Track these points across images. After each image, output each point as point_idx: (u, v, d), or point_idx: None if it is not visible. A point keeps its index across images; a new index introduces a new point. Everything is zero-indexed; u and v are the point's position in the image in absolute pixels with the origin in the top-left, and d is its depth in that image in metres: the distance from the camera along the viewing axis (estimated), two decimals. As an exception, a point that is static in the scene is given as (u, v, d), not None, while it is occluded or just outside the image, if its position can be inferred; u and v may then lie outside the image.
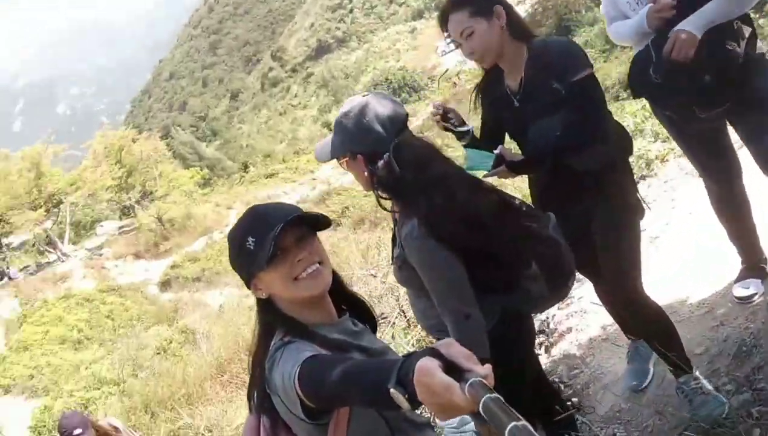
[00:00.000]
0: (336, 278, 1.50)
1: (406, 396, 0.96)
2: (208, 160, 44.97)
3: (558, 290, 1.99)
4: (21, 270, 26.78)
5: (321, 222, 1.44)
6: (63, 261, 26.23)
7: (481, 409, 0.83)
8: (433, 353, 0.95)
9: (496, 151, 2.16)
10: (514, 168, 2.17)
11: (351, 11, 79.79)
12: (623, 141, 2.34)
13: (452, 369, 0.92)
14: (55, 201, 28.46)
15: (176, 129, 55.82)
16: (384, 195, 1.88)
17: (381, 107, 1.86)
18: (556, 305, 3.28)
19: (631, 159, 2.49)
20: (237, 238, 1.42)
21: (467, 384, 0.87)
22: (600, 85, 2.23)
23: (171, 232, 26.67)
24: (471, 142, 2.35)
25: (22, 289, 21.76)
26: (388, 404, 1.00)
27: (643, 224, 2.42)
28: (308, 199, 23.15)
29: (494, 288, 1.88)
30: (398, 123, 1.86)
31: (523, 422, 0.77)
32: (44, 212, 26.90)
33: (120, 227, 30.58)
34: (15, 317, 19.20)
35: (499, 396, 0.83)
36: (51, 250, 27.60)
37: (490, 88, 2.34)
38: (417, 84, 39.67)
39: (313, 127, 50.84)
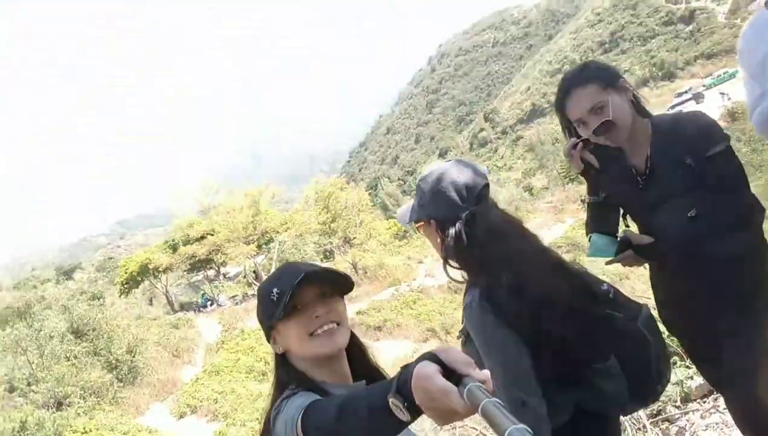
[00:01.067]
0: (358, 346, 1.51)
1: (405, 404, 0.95)
2: (408, 213, 46.37)
3: (641, 393, 1.72)
4: (230, 298, 29.39)
5: (344, 284, 1.43)
6: (265, 295, 28.28)
7: (480, 412, 0.83)
8: (432, 358, 0.94)
9: (620, 236, 2.04)
10: (641, 253, 2.00)
11: (569, 76, 78.74)
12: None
13: (451, 374, 0.91)
14: (267, 238, 30.99)
15: (384, 180, 58.45)
16: (453, 264, 1.76)
17: (459, 174, 1.75)
18: (698, 412, 3.09)
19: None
20: (264, 289, 1.42)
21: (466, 389, 0.87)
22: (739, 160, 1.93)
23: (363, 279, 27.60)
24: (602, 201, 2.17)
25: (227, 316, 23.68)
26: (390, 423, 0.99)
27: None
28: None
29: (563, 380, 1.65)
30: (476, 191, 1.73)
31: (523, 425, 0.78)
32: (256, 247, 29.39)
33: (320, 269, 32.35)
34: (216, 341, 20.92)
35: (498, 400, 0.83)
36: (256, 283, 29.99)
37: (611, 175, 2.09)
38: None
39: (514, 191, 50.39)
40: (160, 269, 30.71)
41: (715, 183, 1.85)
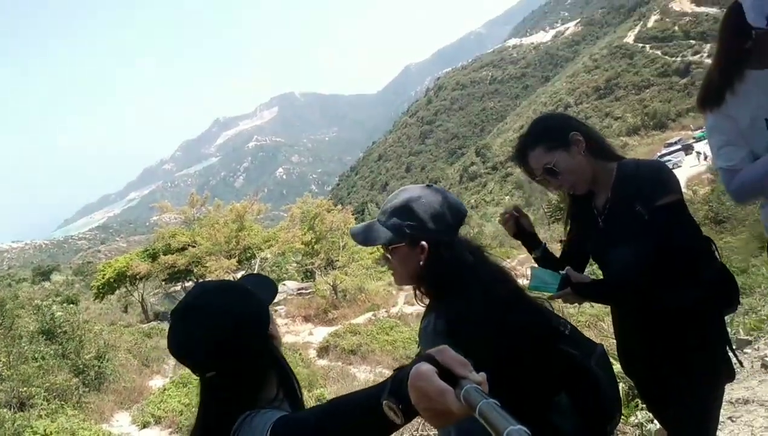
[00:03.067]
0: None
1: (400, 406, 0.93)
2: (392, 240, 46.41)
3: (591, 432, 1.71)
4: (206, 311, 29.12)
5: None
6: (242, 311, 28.07)
7: (477, 414, 0.83)
8: (428, 359, 0.93)
9: (562, 272, 2.04)
10: (580, 292, 2.02)
11: (562, 119, 79.64)
12: (725, 287, 2.00)
13: (447, 376, 0.90)
14: (248, 254, 30.86)
15: (371, 206, 58.55)
16: (426, 287, 1.79)
17: (451, 198, 1.79)
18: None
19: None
20: (242, 306, 1.44)
21: (462, 390, 0.87)
22: (690, 215, 1.99)
23: (342, 302, 27.50)
24: (542, 255, 2.31)
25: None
26: (380, 427, 0.97)
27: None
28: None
29: (517, 412, 1.58)
30: (461, 217, 1.78)
31: (521, 426, 0.78)
32: (236, 262, 29.22)
33: (299, 289, 32.19)
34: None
35: (495, 401, 0.83)
36: (234, 298, 29.76)
37: (578, 206, 2.21)
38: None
39: (500, 226, 50.72)
40: (138, 277, 30.42)
41: (661, 234, 1.89)
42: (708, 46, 74.80)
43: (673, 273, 1.90)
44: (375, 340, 20.22)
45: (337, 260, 30.43)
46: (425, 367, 0.91)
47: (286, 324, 25.81)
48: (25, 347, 16.51)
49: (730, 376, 2.02)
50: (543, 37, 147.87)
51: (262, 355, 1.40)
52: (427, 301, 1.82)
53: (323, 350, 21.21)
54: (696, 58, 75.45)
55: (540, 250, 2.33)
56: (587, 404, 1.67)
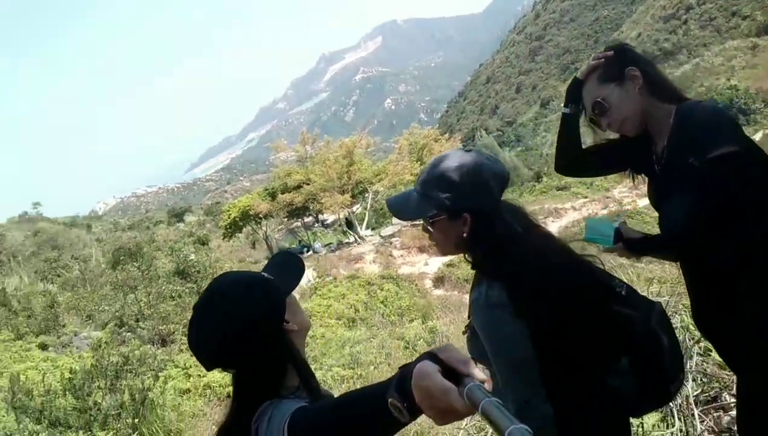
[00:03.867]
0: None
1: (405, 404, 0.94)
2: (505, 165, 45.45)
3: (653, 393, 1.66)
4: (325, 246, 30.20)
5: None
6: (359, 244, 28.85)
7: (480, 412, 0.83)
8: (432, 357, 0.94)
9: (615, 225, 1.95)
10: (632, 247, 1.92)
11: (685, 22, 73.31)
12: None
13: (450, 374, 0.91)
14: (360, 188, 31.41)
15: (481, 131, 57.48)
16: (473, 257, 1.75)
17: (493, 164, 1.72)
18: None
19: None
20: (255, 289, 1.47)
21: (465, 388, 0.87)
22: (753, 167, 1.76)
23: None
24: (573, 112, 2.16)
25: (321, 263, 24.39)
26: (387, 425, 0.98)
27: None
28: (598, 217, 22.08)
29: (573, 379, 1.60)
30: (504, 182, 1.72)
31: (523, 425, 0.78)
32: (350, 197, 29.87)
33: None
34: (309, 287, 21.68)
35: (498, 399, 0.83)
36: (350, 232, 30.62)
37: (640, 154, 2.04)
38: (747, 106, 34.97)
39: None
40: (260, 215, 31.90)
41: (714, 188, 1.73)
42: None
43: (730, 229, 1.74)
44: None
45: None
46: (428, 365, 0.92)
47: (401, 255, 26.24)
48: (163, 287, 17.92)
49: None
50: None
51: (274, 350, 1.40)
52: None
53: (438, 281, 21.44)
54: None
55: (572, 107, 2.14)
56: (648, 366, 1.61)
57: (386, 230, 31.34)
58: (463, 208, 1.67)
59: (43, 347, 13.72)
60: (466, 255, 1.77)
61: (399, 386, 0.96)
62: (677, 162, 1.84)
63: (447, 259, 24.31)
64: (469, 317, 1.79)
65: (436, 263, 24.25)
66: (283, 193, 30.95)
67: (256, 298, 1.41)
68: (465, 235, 1.69)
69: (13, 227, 48.21)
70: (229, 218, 33.45)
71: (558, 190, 33.66)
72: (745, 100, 35.97)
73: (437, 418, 0.92)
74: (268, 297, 1.43)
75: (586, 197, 29.84)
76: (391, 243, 28.77)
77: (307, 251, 29.89)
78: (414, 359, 1.00)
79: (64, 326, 15.77)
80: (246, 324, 1.36)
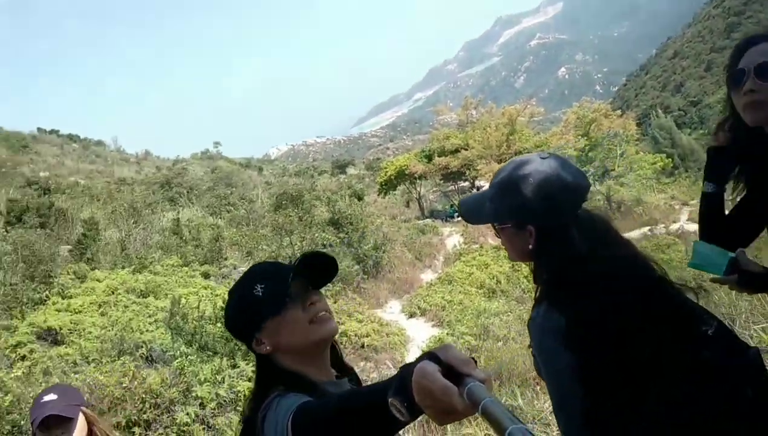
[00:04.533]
0: (334, 343, 1.51)
1: (405, 405, 0.94)
2: (681, 148, 42.10)
3: None
4: (476, 212, 30.13)
5: (325, 275, 1.46)
6: (510, 214, 28.44)
7: (480, 412, 0.83)
8: (432, 357, 0.94)
9: (732, 254, 1.68)
10: (749, 282, 1.64)
11: None
12: None
13: (451, 374, 0.91)
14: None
15: (657, 110, 53.56)
16: (539, 271, 1.63)
17: (567, 175, 1.56)
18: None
19: None
20: (240, 290, 1.44)
21: (466, 388, 0.87)
22: None
23: (616, 214, 26.24)
24: (715, 191, 1.86)
25: (469, 229, 24.34)
26: (387, 425, 0.99)
27: None
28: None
29: (618, 424, 1.45)
30: (580, 195, 1.58)
31: (523, 425, 0.78)
32: (506, 166, 29.44)
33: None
34: (454, 252, 21.81)
35: (498, 399, 0.83)
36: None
37: (754, 152, 1.74)
38: None
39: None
40: (415, 176, 32.39)
41: None
42: None
43: None
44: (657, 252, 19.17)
45: (612, 170, 28.84)
46: (429, 365, 0.92)
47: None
48: (317, 235, 18.88)
49: None
50: None
51: (259, 359, 1.45)
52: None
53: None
54: None
55: (715, 186, 1.86)
56: (718, 416, 1.41)
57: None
58: (528, 220, 1.59)
59: (206, 275, 15.08)
60: (531, 267, 1.67)
61: (399, 386, 0.96)
62: None
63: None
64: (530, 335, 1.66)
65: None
66: (440, 156, 31.19)
67: (258, 288, 1.41)
68: (530, 247, 1.61)
69: (195, 162, 52.87)
70: (385, 175, 34.35)
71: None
72: None
73: (437, 418, 0.93)
74: (244, 309, 1.44)
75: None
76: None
77: (458, 216, 29.98)
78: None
79: (226, 258, 17.21)
80: (246, 313, 1.43)
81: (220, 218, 24.04)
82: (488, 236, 24.14)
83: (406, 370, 0.97)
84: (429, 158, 32.07)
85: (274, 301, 1.37)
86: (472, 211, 1.74)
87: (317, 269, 1.45)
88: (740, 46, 1.75)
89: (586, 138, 29.51)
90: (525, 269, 19.24)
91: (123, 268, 14.42)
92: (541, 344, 1.55)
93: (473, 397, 0.85)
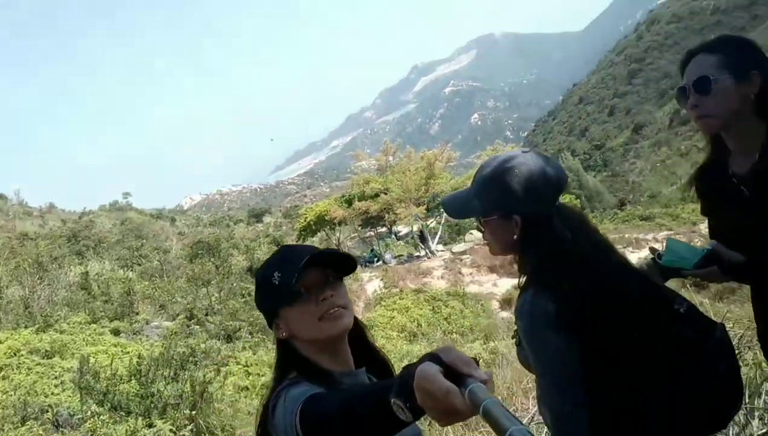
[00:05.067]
0: (360, 329, 1.53)
1: (408, 405, 0.95)
2: (587, 190, 44.21)
3: (708, 419, 1.60)
4: (395, 257, 30.29)
5: (346, 266, 1.45)
6: (429, 258, 28.77)
7: (481, 412, 0.84)
8: (434, 358, 0.95)
9: (708, 247, 1.82)
10: (732, 272, 1.78)
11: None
12: None
13: (452, 375, 0.91)
14: (437, 202, 31.37)
15: (566, 153, 56.18)
16: (524, 261, 1.72)
17: (548, 168, 1.68)
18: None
19: None
20: (263, 275, 1.45)
21: (467, 389, 0.88)
22: None
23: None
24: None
25: (389, 274, 24.47)
26: (390, 424, 1.00)
27: None
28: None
29: (618, 397, 1.55)
30: (561, 187, 1.68)
31: (524, 426, 0.78)
32: (425, 210, 29.88)
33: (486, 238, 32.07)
34: (375, 297, 21.78)
35: (499, 400, 0.83)
36: (422, 245, 30.57)
37: (713, 173, 1.91)
38: None
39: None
40: (335, 221, 32.35)
41: None
42: None
43: None
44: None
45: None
46: (430, 366, 0.92)
47: (470, 273, 26.00)
48: (235, 284, 18.44)
49: None
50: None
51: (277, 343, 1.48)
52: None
53: (506, 302, 21.08)
54: None
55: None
56: (702, 390, 1.55)
57: (458, 247, 31.10)
58: (514, 210, 1.67)
59: (116, 332, 14.35)
60: (518, 260, 1.75)
61: (401, 386, 0.97)
62: None
63: (516, 280, 23.77)
64: (516, 322, 1.76)
65: (505, 284, 23.84)
66: (360, 200, 31.33)
67: (257, 291, 1.49)
68: (516, 237, 1.68)
69: (103, 214, 50.86)
70: (305, 221, 34.13)
71: (641, 220, 32.55)
72: None
73: (439, 419, 0.93)
74: (264, 294, 1.47)
75: (670, 230, 28.67)
76: (461, 260, 28.52)
77: (377, 261, 30.06)
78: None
79: (137, 313, 16.47)
80: (263, 292, 1.46)
81: (132, 270, 23.11)
82: (408, 280, 24.36)
83: (408, 371, 0.97)
84: (349, 203, 32.17)
85: (287, 291, 1.37)
86: (458, 208, 1.81)
87: (335, 260, 1.44)
88: (682, 61, 1.87)
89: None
90: (446, 310, 19.50)
91: (26, 327, 13.54)
92: (531, 329, 1.60)
93: (474, 398, 0.85)
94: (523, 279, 1.73)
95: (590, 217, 31.61)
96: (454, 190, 30.95)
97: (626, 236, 26.50)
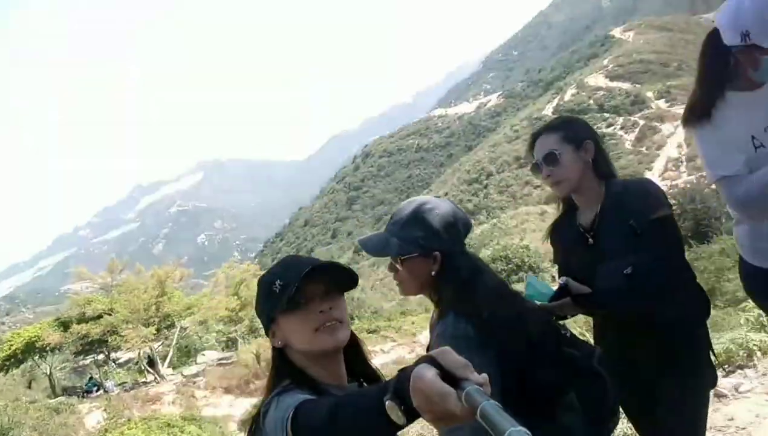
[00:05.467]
0: (356, 346, 1.56)
1: (402, 408, 0.94)
2: (320, 306, 45.73)
3: (596, 429, 1.79)
4: (118, 385, 27.46)
5: (349, 280, 1.45)
6: (158, 383, 26.65)
7: (478, 415, 0.83)
8: (430, 361, 0.94)
9: (561, 282, 2.10)
10: (580, 302, 2.06)
11: (486, 187, 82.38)
12: (700, 299, 2.12)
13: (448, 378, 0.91)
14: (168, 322, 29.55)
15: (298, 272, 57.89)
16: (439, 295, 1.84)
17: (458, 210, 1.87)
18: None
19: (731, 346, 2.35)
20: (266, 280, 1.45)
21: (464, 392, 0.88)
22: (679, 229, 2.11)
23: (265, 371, 26.48)
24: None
25: (113, 403, 22.11)
26: (382, 427, 0.98)
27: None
28: (405, 361, 22.55)
29: (528, 412, 1.55)
30: (469, 228, 1.87)
31: (522, 428, 0.78)
32: (155, 331, 27.87)
33: (220, 359, 30.84)
34: (97, 430, 19.35)
35: (496, 402, 0.83)
36: (150, 370, 28.25)
37: (563, 226, 2.27)
38: (537, 265, 39.01)
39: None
40: (47, 348, 28.38)
41: (652, 246, 1.94)
42: (621, 119, 79.03)
43: (663, 285, 1.96)
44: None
45: (261, 327, 29.46)
46: (427, 369, 0.92)
47: (205, 396, 24.62)
48: None
49: (714, 382, 2.14)
50: (467, 108, 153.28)
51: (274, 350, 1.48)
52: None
53: (245, 423, 20.27)
54: (609, 130, 79.23)
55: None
56: (592, 403, 1.72)
57: (189, 369, 29.43)
58: (435, 247, 1.79)
59: None
60: (431, 297, 1.87)
61: (397, 389, 0.96)
62: (615, 227, 2.02)
63: (255, 400, 23.14)
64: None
65: (243, 404, 22.91)
66: (79, 323, 28.04)
67: (258, 296, 1.50)
68: (433, 273, 1.80)
69: None
70: (10, 348, 29.38)
71: (369, 333, 34.20)
72: (534, 259, 40.20)
73: (436, 421, 0.92)
74: (264, 300, 1.47)
75: (395, 341, 30.52)
76: (194, 383, 26.87)
77: (98, 390, 26.96)
78: None
79: None
80: (256, 310, 1.51)
81: None
82: (134, 408, 22.17)
83: (404, 374, 0.97)
84: (65, 326, 28.53)
85: (286, 300, 1.36)
86: (376, 246, 1.88)
87: (338, 273, 1.43)
88: (529, 144, 2.23)
89: (237, 298, 29.91)
90: (181, 438, 17.95)
91: None
92: (455, 350, 1.61)
93: (471, 400, 0.85)
94: (436, 312, 1.86)
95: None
96: (188, 308, 29.78)
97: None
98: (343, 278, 1.45)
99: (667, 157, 58.52)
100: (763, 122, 1.95)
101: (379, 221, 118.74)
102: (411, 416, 0.95)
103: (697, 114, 2.05)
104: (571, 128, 2.15)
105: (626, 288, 1.98)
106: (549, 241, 2.39)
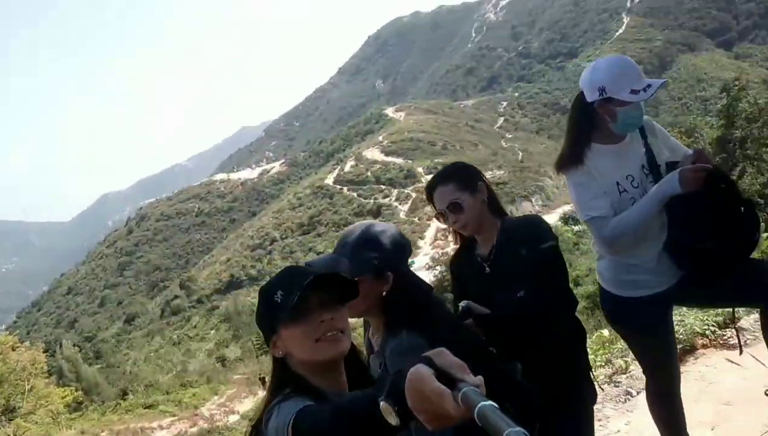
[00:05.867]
0: (357, 356, 1.55)
1: (397, 409, 0.93)
2: (86, 381, 41.48)
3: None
4: None
5: (350, 290, 1.46)
6: None
7: (476, 416, 0.82)
8: (426, 361, 0.93)
9: (462, 305, 2.21)
10: (482, 323, 2.18)
11: (270, 253, 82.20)
12: (578, 325, 2.42)
13: (444, 378, 0.90)
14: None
15: (63, 344, 52.20)
16: (389, 315, 1.88)
17: (399, 230, 2.00)
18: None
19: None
20: (266, 291, 1.45)
21: (460, 393, 0.86)
22: (563, 258, 2.34)
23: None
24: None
25: None
26: (378, 429, 0.97)
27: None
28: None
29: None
30: (410, 247, 1.99)
31: (521, 428, 0.77)
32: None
33: (-35, 446, 26.58)
34: None
35: (493, 403, 0.82)
36: None
37: (463, 258, 2.48)
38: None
39: (206, 361, 48.60)
40: None
41: (542, 273, 2.18)
42: (396, 191, 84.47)
43: (551, 307, 2.20)
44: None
45: (21, 407, 26.10)
46: (423, 369, 0.91)
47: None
48: None
49: (595, 398, 2.41)
50: (250, 173, 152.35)
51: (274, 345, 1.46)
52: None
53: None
54: (386, 201, 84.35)
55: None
56: (527, 411, 1.82)
57: None
58: (388, 268, 1.85)
59: None
60: (379, 317, 1.91)
61: (392, 389, 0.95)
62: (509, 257, 2.24)
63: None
64: (380, 368, 1.91)
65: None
66: None
67: (259, 306, 1.49)
68: (384, 293, 1.85)
69: None
70: None
71: (145, 408, 31.67)
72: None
73: (431, 422, 0.91)
74: (265, 311, 1.47)
75: (174, 415, 28.63)
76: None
77: None
78: None
79: None
80: (256, 320, 1.50)
81: None
82: None
83: (399, 375, 0.95)
84: None
85: (287, 310, 1.35)
86: (327, 266, 1.86)
87: (339, 283, 1.43)
88: (427, 193, 2.41)
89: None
90: None
91: None
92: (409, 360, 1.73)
93: (468, 401, 0.84)
94: (379, 333, 1.93)
95: (92, 408, 29.49)
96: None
97: (131, 426, 25.40)
98: (345, 288, 1.45)
99: (437, 227, 63.40)
100: (626, 170, 2.35)
101: (154, 287, 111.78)
102: (406, 417, 0.94)
103: (570, 162, 2.40)
104: (464, 174, 2.34)
105: (519, 313, 2.20)
106: (449, 271, 2.61)
